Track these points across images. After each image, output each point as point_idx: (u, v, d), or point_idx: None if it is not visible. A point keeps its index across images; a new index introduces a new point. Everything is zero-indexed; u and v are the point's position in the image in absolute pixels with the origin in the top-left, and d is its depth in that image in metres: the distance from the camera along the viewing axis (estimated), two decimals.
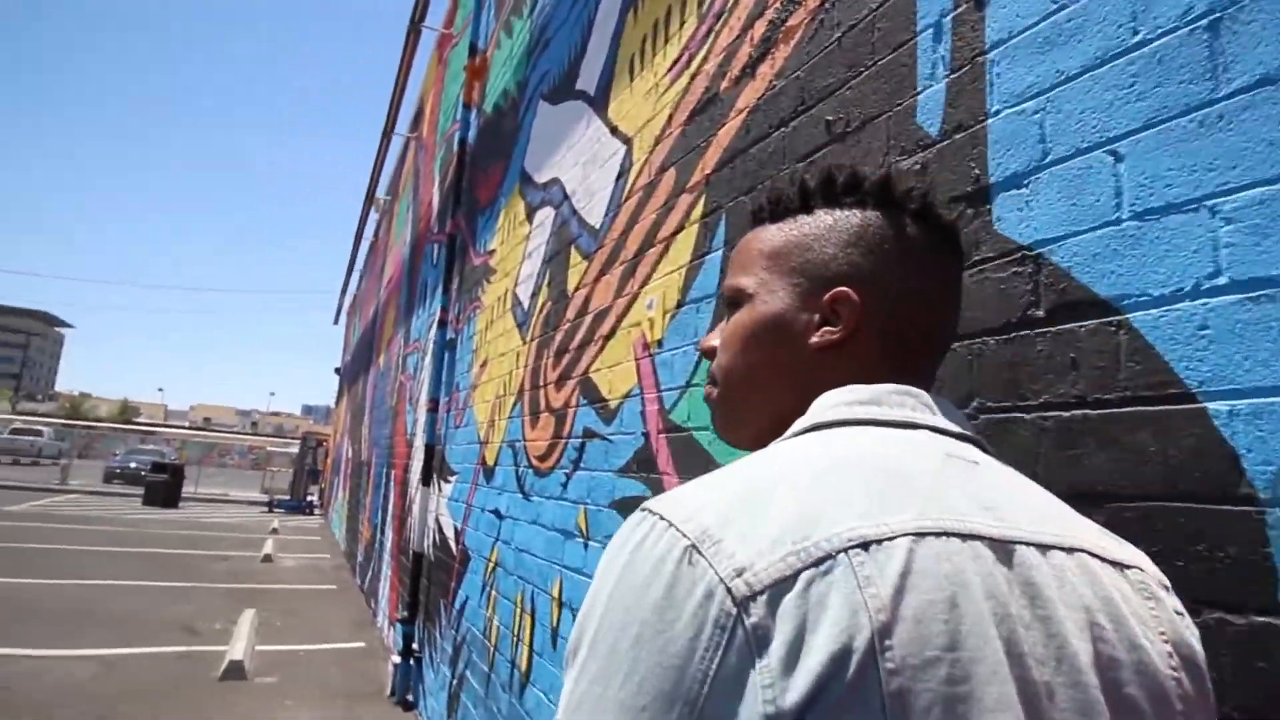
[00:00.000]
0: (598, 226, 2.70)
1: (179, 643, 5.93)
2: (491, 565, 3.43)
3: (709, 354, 0.72)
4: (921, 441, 0.55)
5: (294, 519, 18.18)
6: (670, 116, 2.23)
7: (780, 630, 0.41)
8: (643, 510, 0.49)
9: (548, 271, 3.22)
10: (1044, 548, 0.49)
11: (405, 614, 4.87)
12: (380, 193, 12.61)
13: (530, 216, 3.60)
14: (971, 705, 0.41)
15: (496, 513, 3.45)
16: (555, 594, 2.59)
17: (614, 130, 2.66)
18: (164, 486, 17.94)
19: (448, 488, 4.62)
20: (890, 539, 0.44)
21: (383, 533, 7.53)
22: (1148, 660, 0.48)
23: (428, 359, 6.02)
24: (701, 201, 1.98)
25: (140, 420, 78.60)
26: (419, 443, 5.88)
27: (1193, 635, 0.54)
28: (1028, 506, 0.52)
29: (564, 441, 2.73)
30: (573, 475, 2.61)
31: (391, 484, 7.29)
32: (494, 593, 3.34)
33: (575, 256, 2.89)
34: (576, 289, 2.83)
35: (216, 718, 4.37)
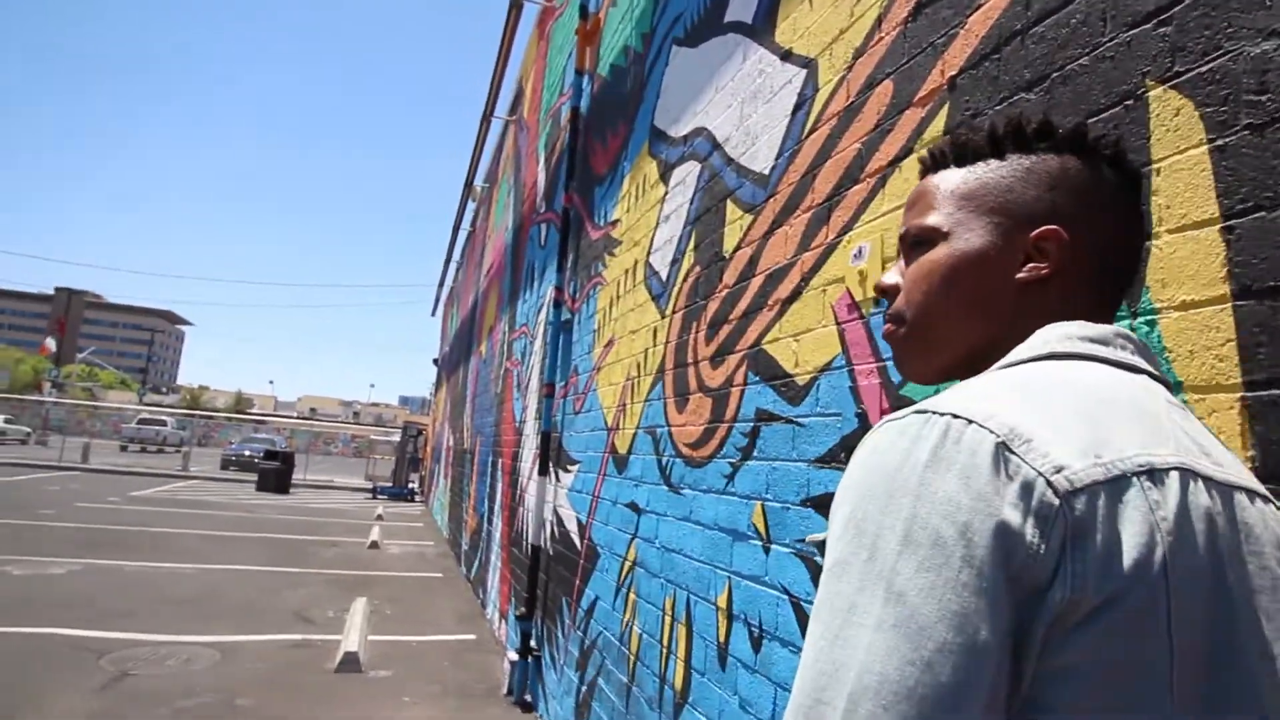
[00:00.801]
0: (766, 172, 2.28)
1: (294, 630, 5.88)
2: (628, 564, 3.08)
3: (888, 293, 0.73)
4: (1148, 386, 0.58)
5: (396, 505, 18.57)
6: (879, 18, 1.78)
7: (1097, 529, 0.46)
8: (922, 412, 0.52)
9: (693, 234, 2.82)
10: (1249, 493, 0.54)
11: (523, 610, 4.61)
12: (478, 180, 12.54)
13: (665, 177, 3.21)
14: (1225, 624, 0.48)
15: (634, 506, 3.09)
16: (721, 604, 2.20)
17: (786, 55, 2.24)
18: (276, 473, 18.62)
19: (568, 478, 4.32)
20: (1166, 470, 0.49)
21: (490, 522, 7.35)
22: None
23: (538, 342, 5.75)
24: (942, 114, 1.53)
25: (253, 410, 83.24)
26: (530, 430, 5.62)
27: None
28: (1223, 452, 0.57)
29: (726, 426, 2.34)
30: (741, 466, 2.21)
31: (499, 472, 7.09)
32: (633, 595, 2.98)
33: (734, 211, 2.48)
34: (737, 249, 2.42)
35: (337, 714, 4.21)
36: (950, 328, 0.67)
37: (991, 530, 0.46)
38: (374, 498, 19.94)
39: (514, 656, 4.62)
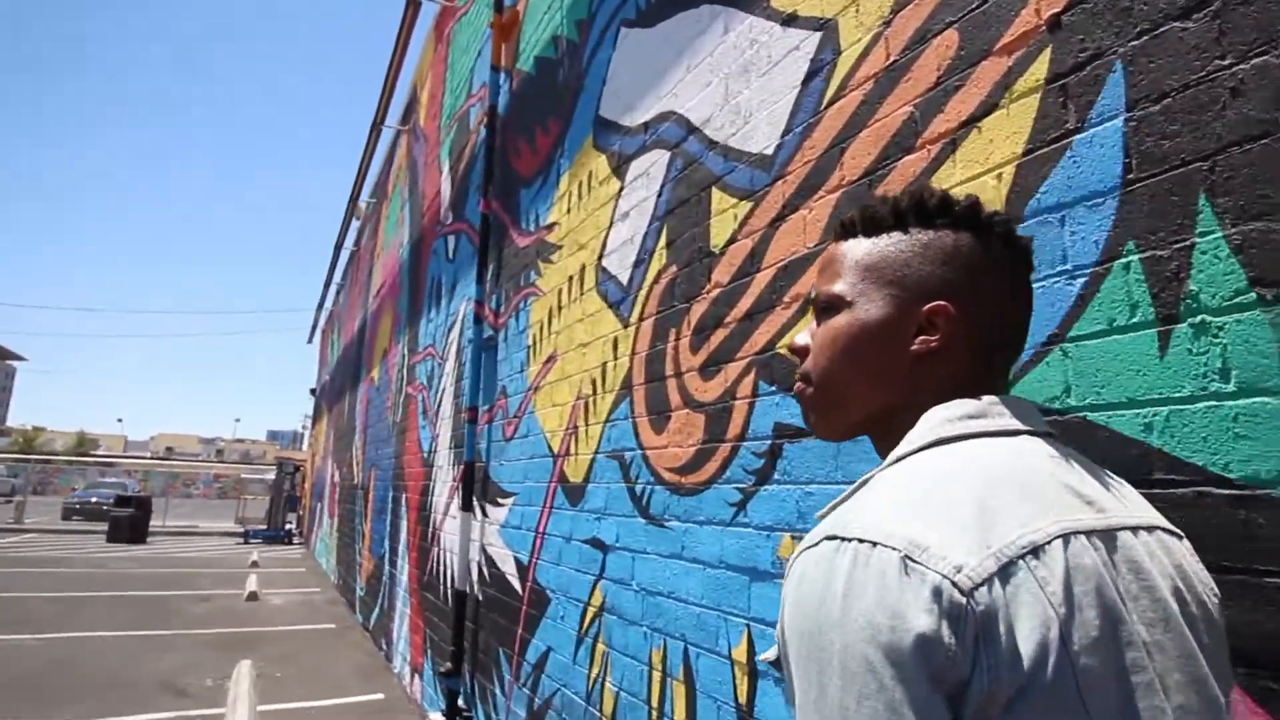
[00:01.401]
0: (769, 152, 1.99)
1: (166, 706, 5.04)
2: (592, 610, 2.68)
3: (799, 353, 0.79)
4: (1028, 448, 0.64)
5: (273, 549, 17.07)
6: None
7: (999, 620, 0.52)
8: (833, 538, 0.58)
9: (663, 230, 2.50)
10: (1134, 529, 0.61)
11: (448, 665, 4.08)
12: (364, 196, 11.76)
13: (620, 170, 2.88)
14: (1129, 670, 0.54)
15: (597, 543, 2.70)
16: (739, 657, 1.86)
17: (790, 20, 1.96)
18: (130, 521, 16.74)
19: (499, 513, 3.86)
20: (1046, 543, 0.55)
21: (393, 565, 6.68)
22: (1209, 610, 0.63)
23: (450, 364, 5.25)
24: (1042, 59, 1.28)
25: (99, 452, 75.70)
26: (445, 461, 5.10)
27: (1210, 580, 0.66)
28: (1112, 493, 0.64)
29: (730, 446, 2.01)
30: (755, 492, 1.88)
31: (404, 509, 6.46)
32: (601, 646, 2.59)
33: (723, 200, 2.18)
34: (731, 241, 2.11)
35: None
36: (851, 393, 0.74)
37: (912, 643, 0.51)
38: (246, 542, 18.31)
39: (438, 719, 4.08)
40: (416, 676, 5.33)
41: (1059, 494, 0.60)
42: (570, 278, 3.26)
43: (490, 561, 3.91)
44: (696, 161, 2.35)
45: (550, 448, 3.27)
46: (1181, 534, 0.67)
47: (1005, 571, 0.53)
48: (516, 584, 3.49)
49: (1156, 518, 0.65)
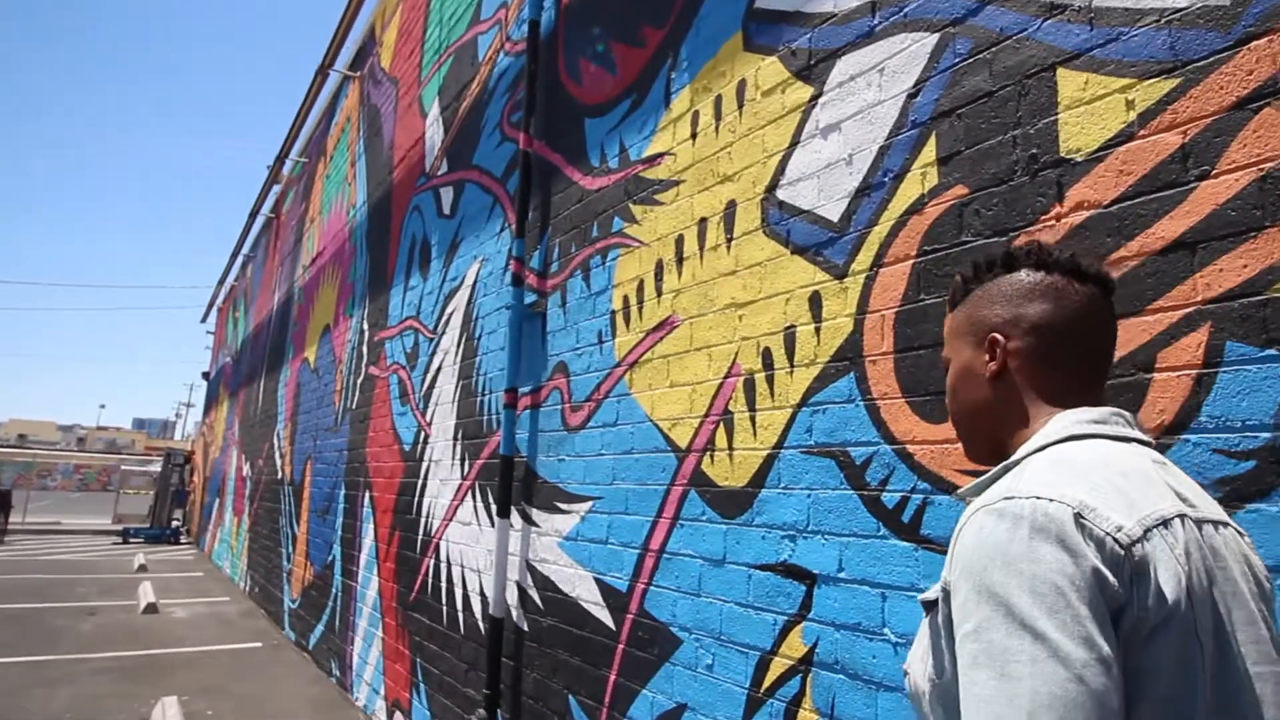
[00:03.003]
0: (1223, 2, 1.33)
1: None
2: (783, 664, 1.95)
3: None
4: (1140, 452, 0.80)
5: (160, 550, 15.20)
6: None
7: (1148, 569, 0.68)
8: (1010, 498, 0.73)
9: (928, 139, 1.80)
10: (1215, 524, 0.77)
11: (483, 713, 3.22)
12: (293, 156, 10.43)
13: (811, 73, 2.16)
14: (1219, 624, 0.69)
15: (793, 571, 1.97)
16: None
17: None
18: None
19: (561, 521, 3.05)
20: (1171, 518, 0.71)
21: (351, 577, 5.67)
22: (1265, 589, 0.77)
23: (454, 337, 4.36)
24: None
25: None
26: (443, 455, 4.21)
27: (1266, 569, 0.81)
28: (1197, 493, 0.79)
29: None
30: None
31: (368, 510, 5.47)
32: (810, 715, 1.86)
33: (1091, 85, 1.50)
34: (1118, 142, 1.44)
35: None
36: (968, 431, 0.95)
37: (1091, 572, 0.67)
38: (125, 542, 16.28)
39: None
40: (399, 714, 4.40)
41: (1166, 489, 0.75)
42: (702, 220, 2.51)
43: (545, 583, 3.10)
44: (1008, 39, 1.66)
45: (669, 440, 2.51)
46: (1244, 531, 0.81)
47: (1148, 534, 0.69)
48: (603, 615, 2.70)
49: (1227, 516, 0.80)
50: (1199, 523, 0.74)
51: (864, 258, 1.93)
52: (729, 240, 2.39)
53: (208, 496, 16.12)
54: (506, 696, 3.23)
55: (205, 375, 20.11)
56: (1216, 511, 0.79)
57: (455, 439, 4.18)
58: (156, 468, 20.37)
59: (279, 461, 9.12)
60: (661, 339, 2.63)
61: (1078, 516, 0.68)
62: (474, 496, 3.85)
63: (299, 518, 7.68)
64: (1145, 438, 0.83)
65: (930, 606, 0.80)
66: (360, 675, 5.16)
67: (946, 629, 0.75)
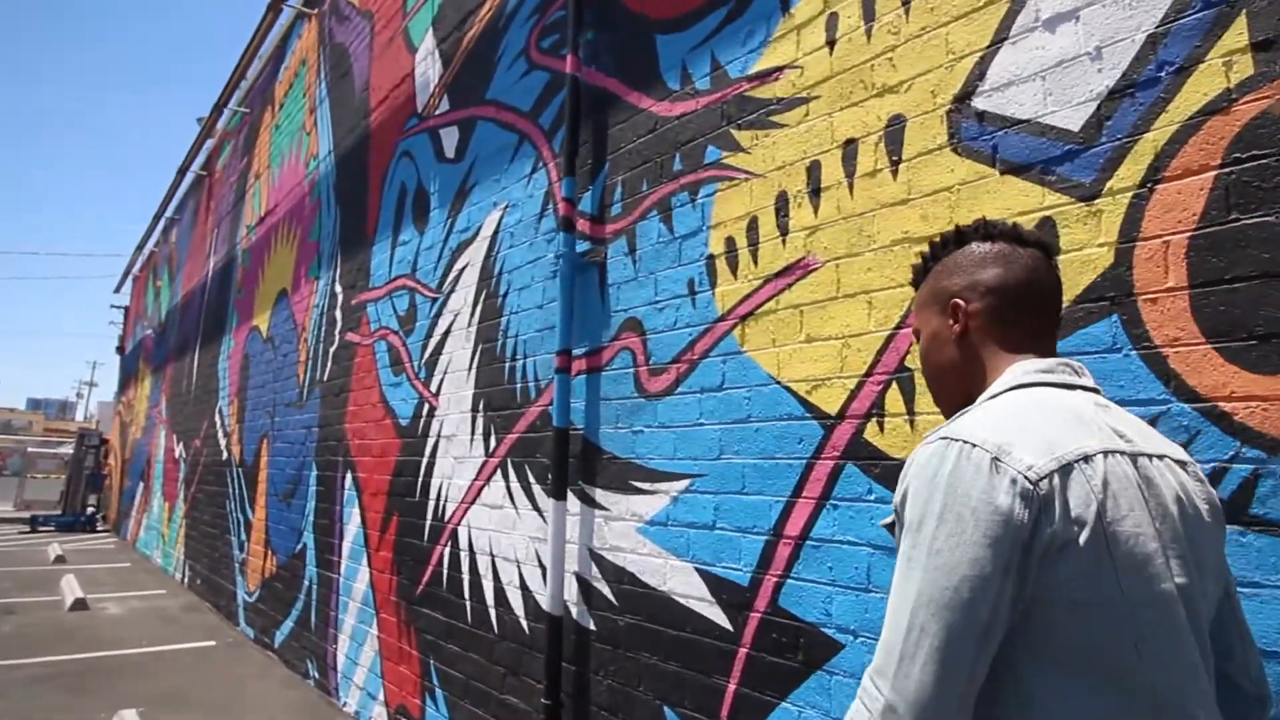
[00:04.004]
0: None
1: None
2: None
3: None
4: (1081, 398, 0.93)
5: (75, 539, 13.95)
6: None
7: (1055, 499, 0.80)
8: (945, 439, 0.87)
9: (1235, 18, 1.43)
10: (1150, 456, 0.89)
11: None
12: (231, 106, 9.46)
13: None
14: (1139, 538, 0.82)
15: None
16: None
17: None
18: None
19: (640, 503, 2.61)
20: (1093, 455, 0.84)
21: (329, 568, 5.08)
22: (1200, 514, 0.90)
23: (467, 296, 3.83)
24: None
25: None
26: (458, 429, 3.69)
27: (1215, 497, 0.95)
28: (1137, 430, 0.92)
29: None
30: None
31: (351, 493, 4.88)
32: None
33: None
34: None
35: None
36: (940, 390, 1.09)
37: (992, 509, 0.80)
38: (34, 531, 14.92)
39: None
40: None
41: (1102, 428, 0.88)
42: (849, 142, 2.09)
43: (619, 575, 2.66)
44: None
45: (809, 405, 2.10)
46: (1189, 460, 0.95)
47: (1064, 470, 0.82)
48: (712, 613, 2.29)
49: (1169, 449, 0.94)
50: (1134, 456, 0.87)
51: (1128, 173, 1.55)
52: (895, 163, 1.98)
53: (129, 480, 14.90)
54: (570, 708, 2.79)
55: (119, 350, 18.60)
56: (1157, 446, 0.92)
57: (475, 411, 3.67)
58: (68, 450, 18.78)
59: (223, 441, 8.31)
60: (790, 286, 2.21)
61: (994, 460, 0.82)
62: (505, 476, 3.37)
63: (253, 502, 6.97)
64: (1090, 384, 0.97)
65: (891, 528, 0.94)
66: (348, 678, 4.61)
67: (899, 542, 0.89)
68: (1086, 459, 0.82)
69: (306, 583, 5.48)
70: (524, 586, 3.15)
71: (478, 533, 3.51)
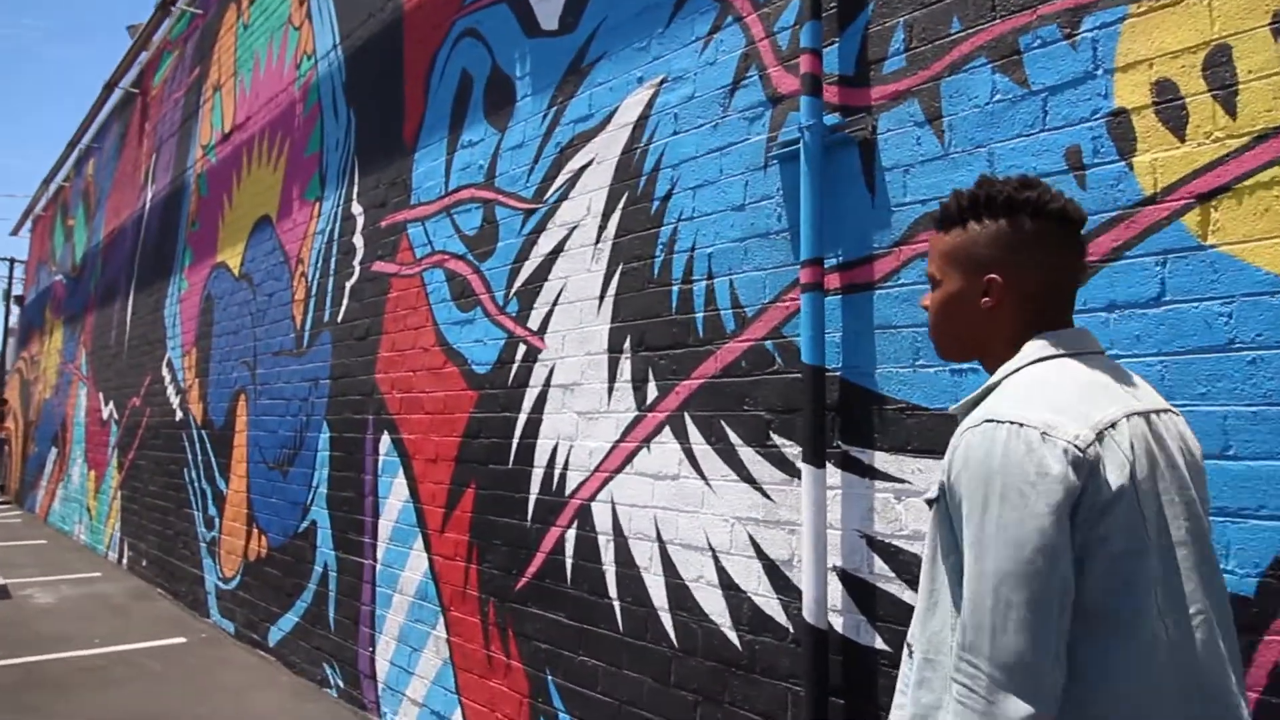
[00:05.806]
0: None
1: None
2: None
3: (926, 310, 1.15)
4: (1096, 363, 1.00)
5: None
6: None
7: (1100, 465, 0.88)
8: (990, 422, 0.92)
9: None
10: (1158, 412, 0.98)
11: None
12: (180, 5, 7.99)
13: None
14: (1160, 492, 0.92)
15: None
16: None
17: None
18: None
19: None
20: (1117, 421, 0.92)
21: (356, 550, 4.09)
22: (1197, 461, 1.01)
23: (592, 208, 2.92)
24: None
25: None
26: (580, 374, 2.80)
27: (1198, 443, 1.05)
28: (1144, 390, 1.02)
29: None
30: None
31: (399, 459, 3.89)
32: None
33: None
34: None
35: None
36: (948, 341, 1.13)
37: (1050, 479, 0.87)
38: None
39: None
40: None
41: (1119, 391, 0.96)
42: None
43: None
44: None
45: None
46: (1178, 412, 1.05)
47: (1100, 437, 0.90)
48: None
49: (1164, 403, 1.02)
50: (1145, 414, 0.96)
51: None
52: None
53: (35, 446, 13.15)
54: None
55: (19, 300, 16.49)
56: (1158, 402, 1.02)
57: (615, 351, 2.78)
58: None
59: (175, 399, 7.06)
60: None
61: (1044, 434, 0.89)
62: (681, 435, 2.51)
63: (227, 470, 5.83)
64: (1098, 348, 1.04)
65: (932, 503, 1.01)
66: (397, 690, 3.67)
67: (943, 519, 0.97)
68: (1114, 424, 0.91)
69: (318, 569, 4.47)
70: (728, 584, 2.32)
71: (633, 512, 2.65)
